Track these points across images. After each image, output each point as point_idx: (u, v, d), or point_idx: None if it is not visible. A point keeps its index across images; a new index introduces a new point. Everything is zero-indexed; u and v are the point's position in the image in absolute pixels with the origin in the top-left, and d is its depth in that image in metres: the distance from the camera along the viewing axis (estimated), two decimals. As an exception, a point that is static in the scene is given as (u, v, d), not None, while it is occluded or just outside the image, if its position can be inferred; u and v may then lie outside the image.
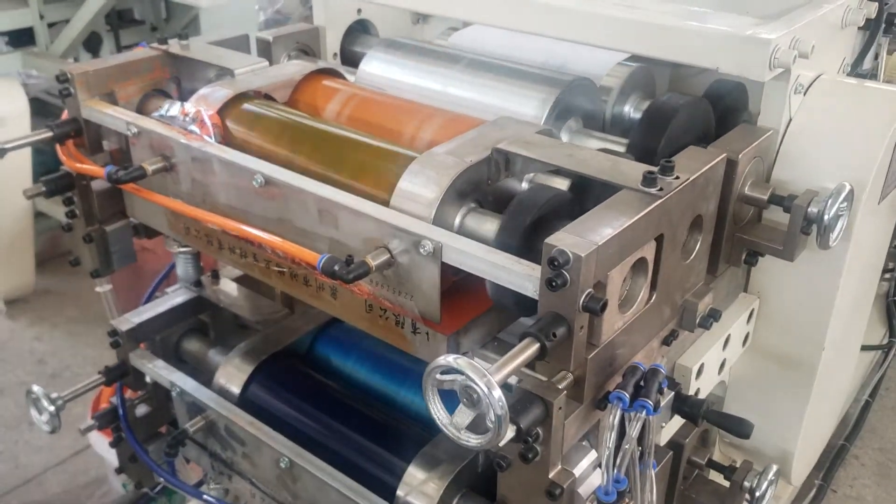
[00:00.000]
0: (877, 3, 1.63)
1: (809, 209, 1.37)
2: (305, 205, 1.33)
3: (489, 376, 0.94)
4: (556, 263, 1.04)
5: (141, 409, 1.99)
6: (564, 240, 1.06)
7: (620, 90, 1.69)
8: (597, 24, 1.51)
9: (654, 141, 1.41)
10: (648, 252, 1.19)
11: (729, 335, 1.55)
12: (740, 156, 1.37)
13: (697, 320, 1.37)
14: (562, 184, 1.36)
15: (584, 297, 1.06)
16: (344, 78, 1.75)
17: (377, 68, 1.78)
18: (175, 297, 2.02)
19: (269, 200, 1.38)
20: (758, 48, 1.34)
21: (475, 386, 0.93)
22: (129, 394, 1.97)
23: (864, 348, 2.25)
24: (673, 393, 1.36)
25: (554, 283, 1.04)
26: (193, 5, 3.77)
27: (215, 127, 1.52)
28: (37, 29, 4.14)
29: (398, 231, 1.22)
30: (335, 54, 2.11)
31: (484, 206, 1.33)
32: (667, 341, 1.36)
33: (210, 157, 1.44)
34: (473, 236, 1.26)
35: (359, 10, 2.15)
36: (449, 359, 0.96)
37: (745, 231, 1.49)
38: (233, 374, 1.83)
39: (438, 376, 0.97)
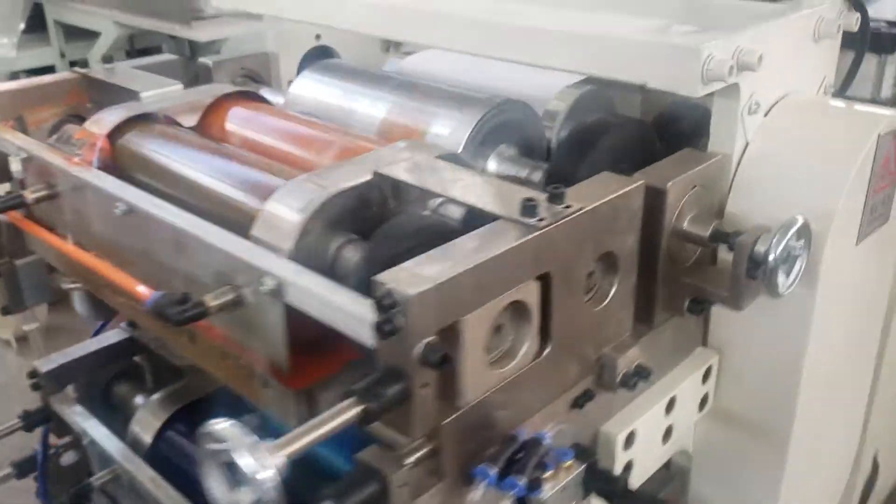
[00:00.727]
0: (859, 15, 1.39)
1: (756, 248, 1.15)
2: (163, 235, 1.17)
3: (263, 452, 0.76)
4: (383, 305, 0.85)
5: (70, 458, 1.86)
6: (398, 276, 0.87)
7: (567, 114, 1.50)
8: (511, 37, 1.32)
9: (572, 167, 1.22)
10: (528, 294, 0.98)
11: (674, 397, 1.31)
12: (669, 184, 1.16)
13: (618, 379, 1.15)
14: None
15: (420, 346, 0.86)
16: (266, 102, 1.61)
17: (305, 90, 1.64)
18: (107, 337, 1.91)
19: (133, 231, 1.23)
20: (687, 58, 1.13)
21: (239, 464, 0.74)
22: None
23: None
24: (584, 466, 1.14)
25: (384, 330, 0.85)
26: (195, 40, 3.73)
27: (101, 151, 1.39)
28: (59, 67, 4.17)
29: (242, 265, 1.05)
30: (289, 81, 1.99)
31: (373, 239, 1.15)
32: (578, 403, 1.14)
33: (82, 183, 1.31)
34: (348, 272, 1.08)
35: (317, 36, 2.03)
36: (219, 426, 0.77)
37: (690, 274, 1.26)
38: (148, 421, 1.69)
39: (210, 446, 0.78)
